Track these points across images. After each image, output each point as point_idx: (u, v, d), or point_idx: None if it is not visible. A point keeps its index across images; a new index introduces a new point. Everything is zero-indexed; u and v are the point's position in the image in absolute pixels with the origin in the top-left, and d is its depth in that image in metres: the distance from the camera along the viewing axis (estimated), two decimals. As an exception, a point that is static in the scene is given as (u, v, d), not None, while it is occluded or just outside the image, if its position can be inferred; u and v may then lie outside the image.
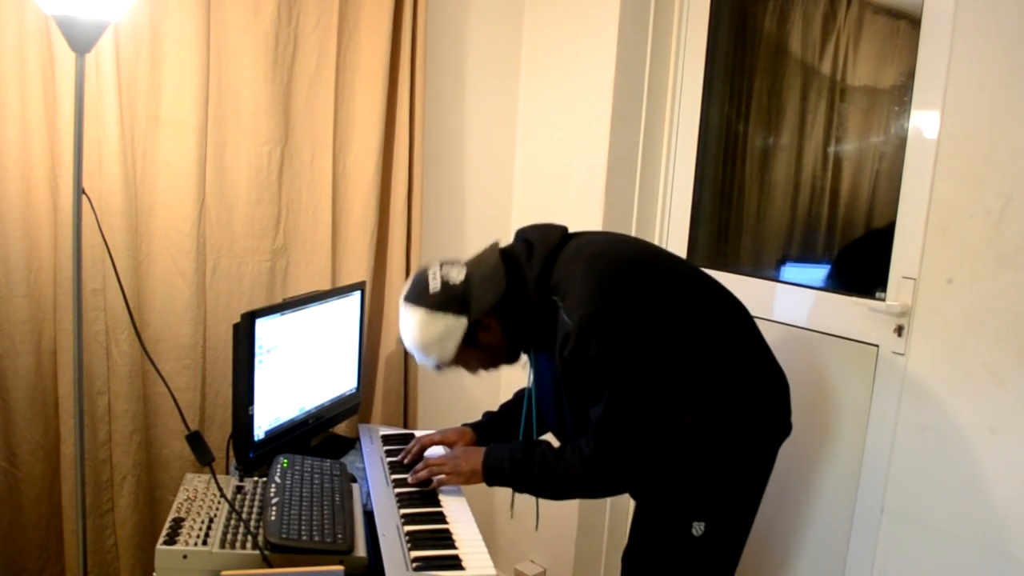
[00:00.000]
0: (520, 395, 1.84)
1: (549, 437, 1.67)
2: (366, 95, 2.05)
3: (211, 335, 1.91)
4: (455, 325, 1.48)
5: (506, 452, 1.56)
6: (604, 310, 1.42)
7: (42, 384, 1.73)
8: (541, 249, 1.52)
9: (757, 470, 1.62)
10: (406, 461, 1.74)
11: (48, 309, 1.71)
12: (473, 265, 1.53)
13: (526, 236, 1.58)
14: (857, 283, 1.94)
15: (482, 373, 1.64)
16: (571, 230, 1.60)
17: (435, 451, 1.75)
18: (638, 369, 1.43)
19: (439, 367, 1.56)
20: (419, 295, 1.51)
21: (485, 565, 1.40)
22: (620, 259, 1.52)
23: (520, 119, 2.48)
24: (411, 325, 1.51)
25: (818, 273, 2.12)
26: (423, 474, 1.64)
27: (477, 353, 1.55)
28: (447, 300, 1.48)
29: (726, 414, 1.53)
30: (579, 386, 1.47)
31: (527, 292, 1.49)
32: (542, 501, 1.66)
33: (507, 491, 1.62)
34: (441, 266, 1.52)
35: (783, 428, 1.63)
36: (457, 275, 1.50)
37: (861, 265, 2.01)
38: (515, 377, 1.92)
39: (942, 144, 1.70)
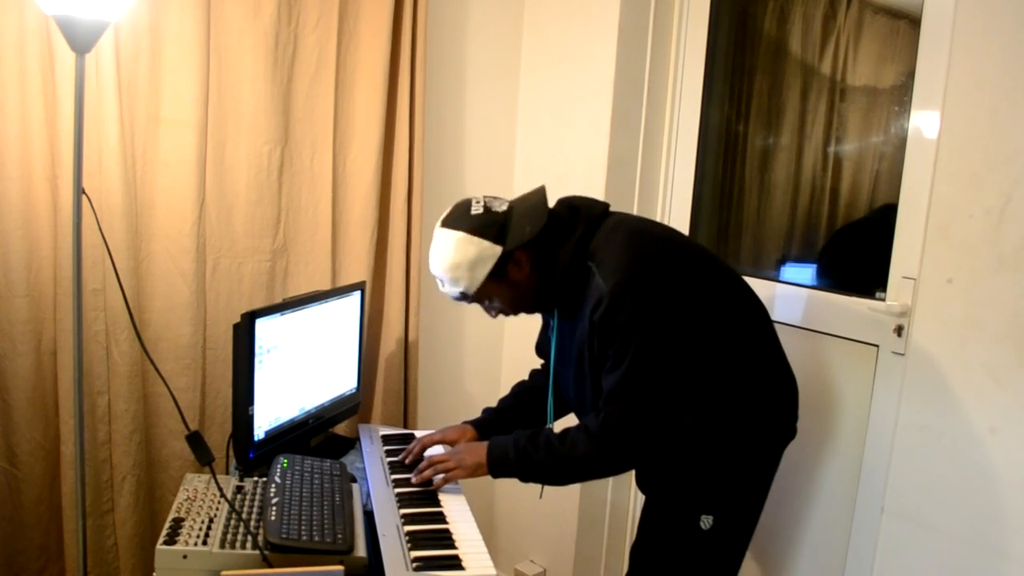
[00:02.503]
0: (518, 389, 1.85)
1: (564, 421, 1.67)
2: (366, 95, 2.05)
3: (211, 335, 1.91)
4: (489, 252, 1.48)
5: (510, 441, 1.56)
6: (640, 280, 1.44)
7: (42, 384, 1.73)
8: (586, 214, 1.55)
9: (764, 465, 1.63)
10: (408, 461, 1.74)
11: (48, 309, 1.71)
12: (517, 200, 1.56)
13: (572, 201, 1.60)
14: (856, 282, 1.94)
15: (500, 319, 1.64)
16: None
17: (436, 450, 1.75)
18: (663, 342, 1.45)
19: (464, 296, 1.55)
20: (459, 218, 1.51)
21: (485, 565, 1.40)
22: (659, 238, 1.57)
23: (520, 119, 2.48)
24: (446, 247, 1.50)
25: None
26: (428, 473, 1.64)
27: (503, 289, 1.54)
28: (487, 225, 1.49)
29: (738, 406, 1.55)
30: (603, 351, 1.48)
31: (565, 249, 1.51)
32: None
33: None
34: (484, 197, 1.54)
35: (789, 431, 1.65)
36: (500, 205, 1.53)
37: (850, 254, 2.02)
38: (514, 373, 1.92)
39: (942, 144, 1.70)
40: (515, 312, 1.62)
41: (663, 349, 1.45)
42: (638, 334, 1.43)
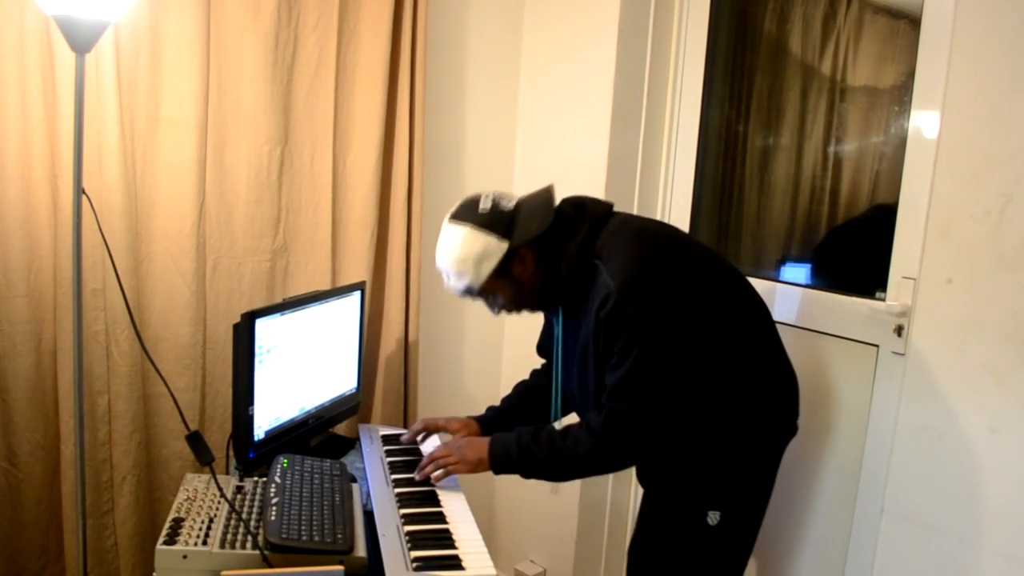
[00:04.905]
0: (521, 389, 1.86)
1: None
2: (366, 95, 2.05)
3: (211, 335, 1.91)
4: (495, 247, 1.50)
5: (512, 437, 1.57)
6: (647, 277, 1.45)
7: (42, 384, 1.73)
8: (592, 213, 1.56)
9: (768, 461, 1.64)
10: (405, 439, 1.77)
11: (48, 309, 1.71)
12: (525, 198, 1.58)
13: (577, 201, 1.61)
14: (856, 282, 1.94)
15: (502, 316, 1.65)
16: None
17: (434, 442, 1.76)
18: (668, 339, 1.45)
19: (469, 291, 1.56)
20: (466, 212, 1.52)
21: (485, 565, 1.40)
22: (664, 236, 1.58)
23: (520, 119, 2.48)
24: (452, 241, 1.52)
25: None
26: (429, 468, 1.64)
27: (507, 285, 1.55)
28: (494, 220, 1.50)
29: (741, 402, 1.56)
30: (608, 348, 1.48)
31: (570, 247, 1.52)
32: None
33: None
34: (493, 193, 1.56)
35: (791, 427, 1.66)
36: (508, 202, 1.54)
37: (844, 254, 2.03)
38: (514, 374, 1.92)
39: (942, 144, 1.70)
40: (518, 310, 1.62)
41: (668, 346, 1.45)
42: (644, 331, 1.43)
